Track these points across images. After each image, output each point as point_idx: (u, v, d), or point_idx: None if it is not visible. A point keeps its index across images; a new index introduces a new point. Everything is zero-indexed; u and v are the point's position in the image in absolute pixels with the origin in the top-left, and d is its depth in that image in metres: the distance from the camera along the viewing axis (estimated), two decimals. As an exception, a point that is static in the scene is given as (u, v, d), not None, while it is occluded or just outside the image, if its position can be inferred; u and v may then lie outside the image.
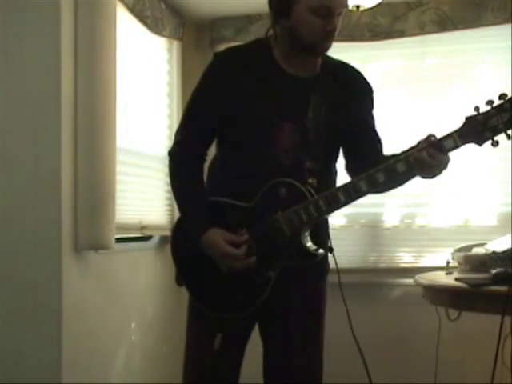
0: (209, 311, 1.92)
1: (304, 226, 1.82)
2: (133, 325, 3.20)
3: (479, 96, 3.47)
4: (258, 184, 1.84)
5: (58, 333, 2.53)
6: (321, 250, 1.88)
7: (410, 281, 3.03)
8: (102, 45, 2.68)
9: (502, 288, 2.20)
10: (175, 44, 3.74)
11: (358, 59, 3.78)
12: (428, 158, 1.73)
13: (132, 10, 3.13)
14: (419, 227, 3.71)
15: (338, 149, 1.98)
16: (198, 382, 1.98)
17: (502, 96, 1.69)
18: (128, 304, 3.15)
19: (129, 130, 3.16)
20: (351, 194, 1.79)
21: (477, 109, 1.72)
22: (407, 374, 3.45)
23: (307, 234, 1.85)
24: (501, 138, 3.28)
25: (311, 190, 1.83)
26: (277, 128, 1.85)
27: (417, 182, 3.95)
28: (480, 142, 1.73)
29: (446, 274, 2.78)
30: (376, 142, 2.01)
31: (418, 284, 2.71)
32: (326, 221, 1.99)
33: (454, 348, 3.31)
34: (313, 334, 1.99)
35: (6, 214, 2.54)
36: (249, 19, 3.69)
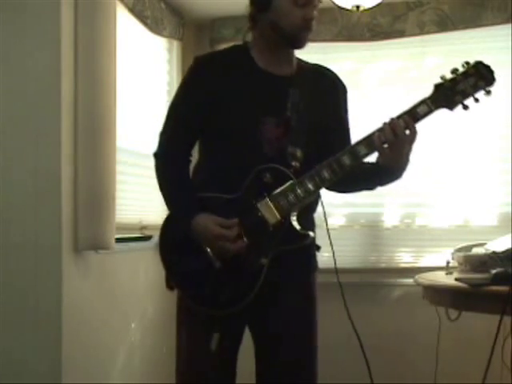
0: (205, 310, 1.90)
1: (292, 207, 1.85)
2: (133, 325, 3.20)
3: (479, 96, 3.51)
4: (243, 176, 1.87)
5: (58, 333, 2.53)
6: (311, 233, 1.90)
7: (410, 281, 3.03)
8: (102, 45, 2.68)
9: (502, 288, 2.20)
10: (175, 44, 3.75)
11: (358, 59, 3.80)
12: (403, 126, 1.80)
13: (132, 10, 3.13)
14: (419, 227, 3.71)
15: (318, 141, 1.98)
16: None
17: (466, 63, 1.83)
18: (128, 304, 3.15)
19: (129, 130, 3.16)
20: (335, 169, 1.83)
21: (443, 77, 1.84)
22: (407, 374, 3.45)
23: (295, 216, 1.88)
24: (499, 138, 3.26)
25: (296, 173, 1.87)
26: (260, 124, 1.90)
27: (417, 182, 3.96)
28: (451, 106, 1.84)
29: (446, 273, 2.78)
30: (347, 143, 2.04)
31: (418, 284, 2.71)
32: (312, 214, 2.01)
33: (454, 348, 3.31)
34: (305, 334, 1.98)
35: (6, 214, 2.54)
36: (249, 19, 3.70)
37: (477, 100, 1.83)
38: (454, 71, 1.83)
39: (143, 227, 3.29)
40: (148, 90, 3.47)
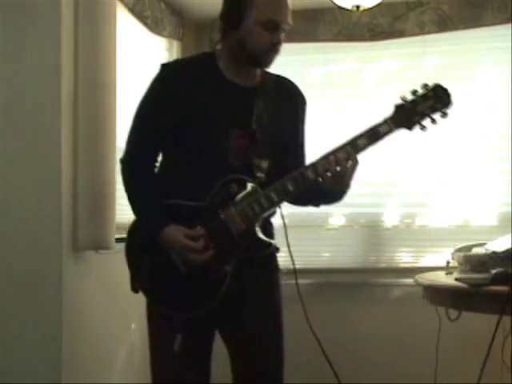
0: (170, 312, 1.94)
1: (257, 217, 1.89)
2: (133, 325, 3.20)
3: (479, 96, 3.52)
4: (209, 186, 1.90)
5: (58, 332, 2.53)
6: (273, 241, 1.96)
7: (410, 281, 3.03)
8: (102, 45, 2.68)
9: (502, 288, 2.20)
10: (175, 44, 3.75)
11: (358, 59, 3.80)
12: (345, 158, 1.85)
13: (132, 10, 3.13)
14: (419, 227, 3.71)
15: (280, 152, 2.02)
16: None
17: (425, 86, 1.90)
18: (128, 304, 3.14)
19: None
20: (299, 182, 1.88)
21: (404, 98, 1.90)
22: (407, 374, 3.45)
23: (259, 226, 1.92)
24: (499, 138, 3.27)
25: (261, 184, 1.92)
26: (226, 134, 1.94)
27: (417, 182, 3.96)
28: (410, 126, 1.91)
29: (446, 273, 2.78)
30: (302, 155, 2.11)
31: (418, 284, 2.71)
32: (270, 223, 2.05)
33: (454, 348, 3.31)
34: (273, 333, 2.04)
35: (6, 214, 2.54)
36: (249, 19, 3.69)
37: (433, 121, 1.90)
38: (414, 93, 1.89)
39: (143, 227, 3.28)
40: (148, 89, 3.46)
